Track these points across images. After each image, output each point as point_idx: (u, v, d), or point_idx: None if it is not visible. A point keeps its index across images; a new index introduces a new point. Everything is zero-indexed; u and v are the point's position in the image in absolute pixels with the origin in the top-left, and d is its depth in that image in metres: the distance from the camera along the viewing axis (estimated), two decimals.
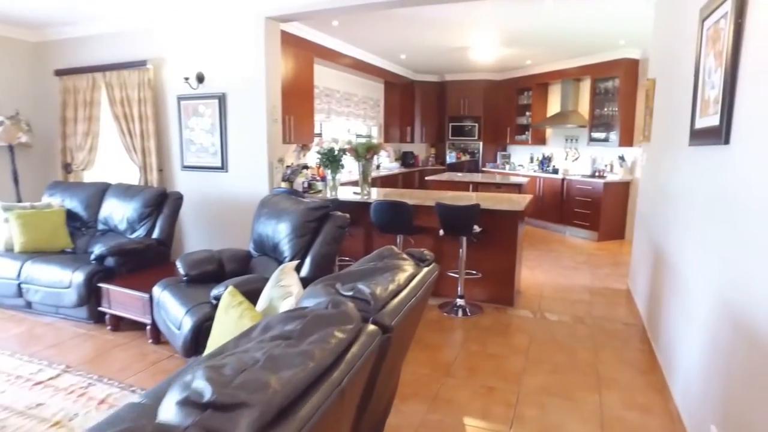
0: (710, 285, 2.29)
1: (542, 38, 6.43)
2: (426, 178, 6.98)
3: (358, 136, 8.05)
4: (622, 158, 7.31)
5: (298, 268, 2.90)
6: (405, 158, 9.86)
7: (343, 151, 4.84)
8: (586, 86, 8.03)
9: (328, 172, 4.95)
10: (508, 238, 4.44)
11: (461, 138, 9.91)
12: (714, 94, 2.28)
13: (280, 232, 3.35)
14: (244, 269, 3.50)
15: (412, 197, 4.65)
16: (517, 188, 6.53)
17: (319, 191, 5.30)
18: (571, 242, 7.33)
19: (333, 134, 7.46)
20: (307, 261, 3.21)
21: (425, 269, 2.02)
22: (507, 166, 9.50)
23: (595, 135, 7.60)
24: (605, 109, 7.48)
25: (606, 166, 7.68)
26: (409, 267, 1.93)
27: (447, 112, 9.88)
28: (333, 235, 3.29)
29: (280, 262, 3.27)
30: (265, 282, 2.43)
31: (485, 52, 7.25)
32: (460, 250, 4.24)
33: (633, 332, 3.93)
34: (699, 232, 2.59)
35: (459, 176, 7.47)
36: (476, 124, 9.75)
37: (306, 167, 5.80)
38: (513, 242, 4.44)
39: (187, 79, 4.94)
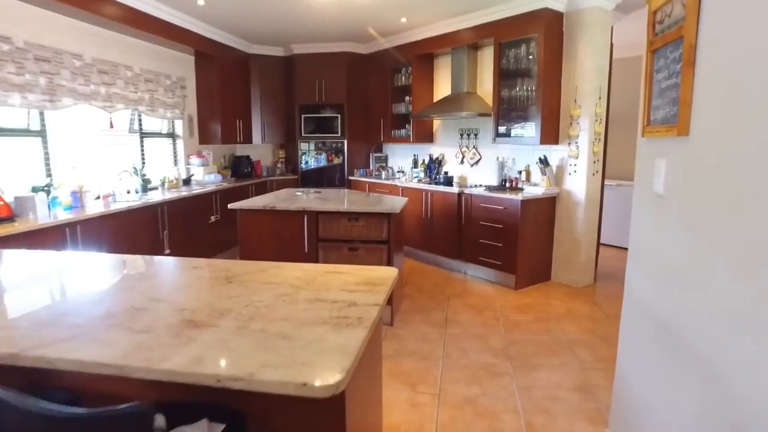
0: None
1: None
2: (229, 205, 4.02)
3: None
4: (543, 161, 4.84)
5: None
6: (237, 166, 6.77)
7: None
8: (487, 56, 5.50)
9: None
10: None
11: (319, 135, 7.02)
12: None
13: None
14: None
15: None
16: (385, 222, 3.75)
17: None
18: (476, 292, 4.73)
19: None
20: None
21: None
22: (383, 173, 6.78)
23: (504, 128, 5.09)
24: (518, 89, 4.99)
25: (520, 172, 5.20)
26: None
27: (297, 99, 6.95)
28: None
29: None
30: None
31: None
32: None
33: None
34: None
35: (281, 199, 4.56)
36: (338, 115, 6.92)
37: None
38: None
39: None
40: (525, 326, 3.88)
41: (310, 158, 7.12)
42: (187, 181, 5.73)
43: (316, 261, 3.88)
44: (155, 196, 4.66)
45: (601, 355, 3.38)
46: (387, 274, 1.87)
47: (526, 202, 4.61)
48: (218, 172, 6.30)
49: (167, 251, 4.55)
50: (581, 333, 3.75)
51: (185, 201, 4.89)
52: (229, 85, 6.32)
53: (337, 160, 7.08)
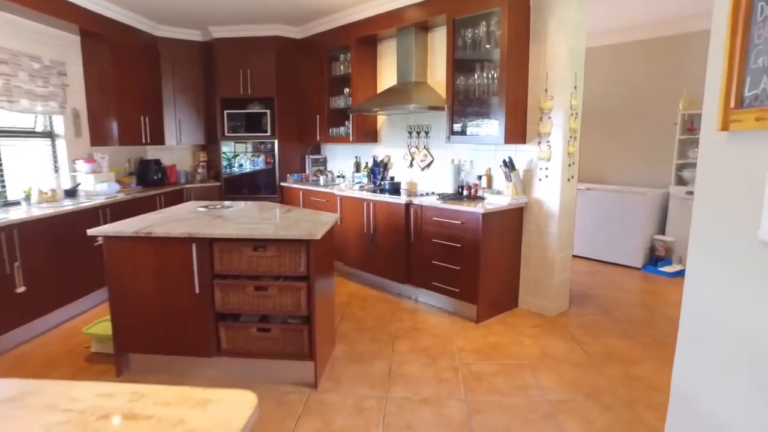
0: None
1: None
2: (88, 231, 2.92)
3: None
4: (508, 164, 3.97)
5: None
6: (145, 172, 5.61)
7: None
8: (440, 38, 4.59)
9: None
10: None
11: (245, 135, 5.95)
12: None
13: None
14: None
15: None
16: (303, 252, 2.74)
17: None
18: (429, 327, 3.81)
19: None
20: None
21: None
22: (322, 178, 5.77)
23: (460, 124, 4.18)
24: (476, 78, 4.09)
25: (480, 177, 4.31)
26: None
27: (219, 92, 5.86)
28: None
29: None
30: None
31: None
32: None
33: None
34: None
35: (172, 218, 3.50)
36: (267, 111, 5.88)
37: None
38: None
39: None
40: (491, 381, 2.97)
41: (235, 162, 6.03)
42: (71, 193, 4.56)
43: (212, 304, 2.85)
44: (13, 215, 3.50)
45: (596, 427, 2.50)
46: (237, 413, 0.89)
47: (488, 216, 3.71)
48: (118, 180, 5.14)
49: (21, 289, 3.41)
50: (564, 389, 2.87)
51: (55, 220, 3.74)
52: (128, 74, 5.17)
53: (266, 164, 6.02)
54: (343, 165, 6.02)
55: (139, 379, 2.99)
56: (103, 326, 3.21)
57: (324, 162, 6.27)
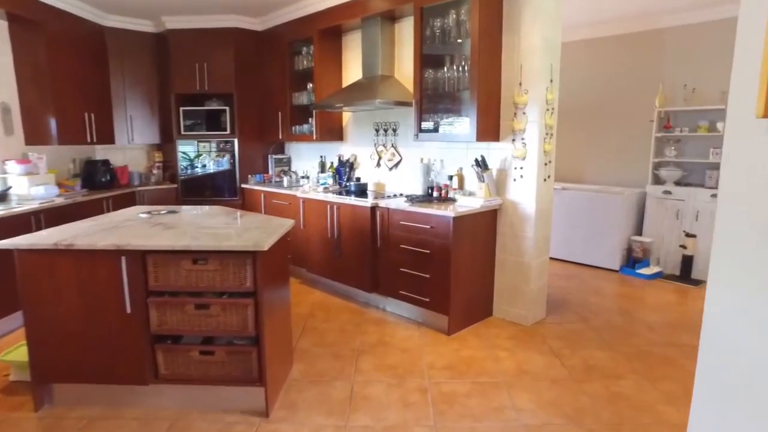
0: None
1: None
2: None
3: None
4: (481, 163, 3.69)
5: None
6: (92, 174, 5.17)
7: None
8: (407, 29, 4.30)
9: None
10: None
11: (203, 133, 5.56)
12: None
13: None
14: None
15: None
16: (248, 264, 2.40)
17: None
18: (397, 342, 3.51)
19: None
20: None
21: None
22: (285, 179, 5.42)
23: (430, 121, 3.90)
24: (446, 71, 3.81)
25: (451, 178, 4.03)
26: None
27: (174, 88, 5.45)
28: None
29: None
30: None
31: None
32: None
33: None
34: None
35: (105, 226, 3.12)
36: (226, 108, 5.50)
37: None
38: None
39: None
40: (464, 403, 2.69)
41: (193, 162, 5.64)
42: (1, 197, 4.11)
43: (147, 325, 2.49)
44: None
45: None
46: None
47: (459, 220, 3.43)
48: (59, 183, 4.69)
49: None
50: (543, 411, 2.61)
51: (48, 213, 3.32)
52: (69, 67, 4.73)
53: (226, 165, 5.64)
54: (308, 165, 5.68)
55: (64, 413, 2.61)
56: (24, 351, 2.81)
57: (288, 162, 5.92)
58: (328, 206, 4.29)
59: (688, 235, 4.95)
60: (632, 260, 5.29)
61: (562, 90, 3.94)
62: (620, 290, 4.70)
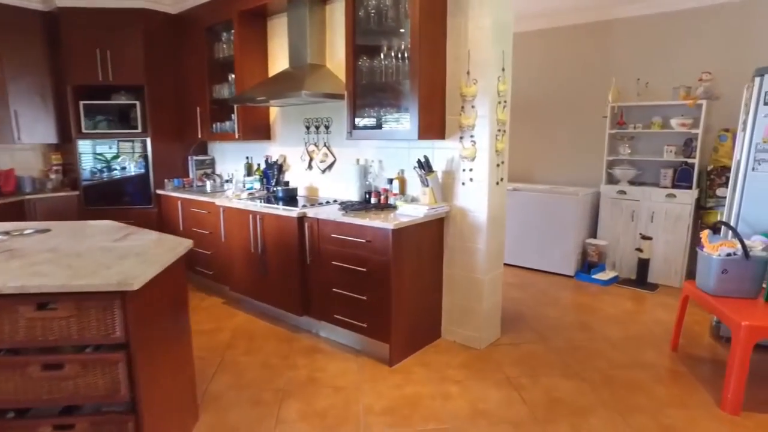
0: None
1: None
2: None
3: None
4: (424, 165, 3.19)
5: None
6: None
7: None
8: (340, 11, 3.74)
9: None
10: None
11: (108, 132, 4.79)
12: None
13: None
14: None
15: None
16: (116, 307, 1.79)
17: None
18: (329, 378, 2.97)
19: None
20: None
21: None
22: (209, 184, 4.75)
23: (365, 117, 3.36)
24: (383, 58, 3.28)
25: (391, 181, 3.51)
26: None
27: (71, 78, 4.66)
28: None
29: None
30: None
31: None
32: None
33: None
34: None
35: None
36: (136, 103, 4.76)
37: None
38: None
39: None
40: None
41: (97, 165, 4.86)
42: None
43: None
44: None
45: None
46: None
47: (400, 232, 2.92)
48: None
49: None
50: None
51: None
52: None
53: (139, 167, 4.90)
54: (234, 167, 5.02)
55: None
56: None
57: (211, 164, 5.24)
58: (250, 216, 3.68)
59: (643, 237, 4.66)
60: (587, 264, 4.96)
61: (512, 84, 3.52)
62: (578, 299, 4.34)
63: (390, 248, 2.88)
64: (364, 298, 3.08)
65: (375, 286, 3.01)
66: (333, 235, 3.18)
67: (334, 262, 3.21)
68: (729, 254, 2.84)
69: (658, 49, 4.86)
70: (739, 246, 2.81)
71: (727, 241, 2.89)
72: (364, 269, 3.03)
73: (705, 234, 3.02)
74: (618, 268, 4.98)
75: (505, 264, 5.37)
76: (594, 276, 4.84)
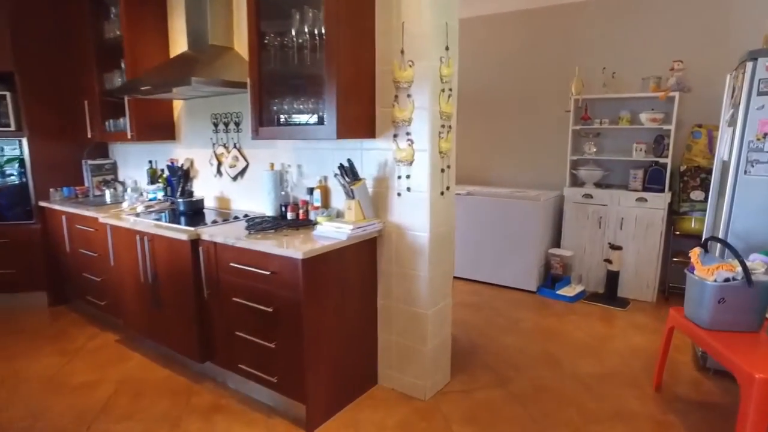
0: None
1: None
2: None
3: None
4: (347, 171, 2.49)
5: None
6: None
7: None
8: None
9: None
10: None
11: None
12: None
13: None
14: None
15: None
16: None
17: None
18: None
19: None
20: None
21: None
22: (109, 193, 3.93)
23: (276, 111, 2.64)
24: (294, 36, 2.56)
25: (312, 191, 2.80)
26: None
27: None
28: None
29: None
30: None
31: None
32: None
33: None
34: None
35: None
36: (6, 94, 3.89)
37: None
38: None
39: None
40: None
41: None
42: None
43: None
44: None
45: None
46: None
47: (313, 262, 2.22)
48: None
49: None
50: None
51: None
52: None
53: (12, 175, 4.03)
54: (139, 173, 4.21)
55: None
56: None
57: (113, 169, 4.40)
58: (137, 237, 2.91)
59: (612, 247, 4.12)
60: (551, 278, 4.39)
61: (461, 75, 2.87)
62: (541, 322, 3.75)
63: (300, 282, 2.18)
64: (272, 345, 2.37)
65: (284, 331, 2.30)
66: (232, 264, 2.45)
67: (235, 299, 2.49)
68: (727, 279, 2.27)
69: (625, 35, 4.33)
70: (739, 269, 2.24)
71: (724, 263, 2.32)
72: (270, 309, 2.32)
73: (695, 253, 2.45)
74: (585, 282, 4.43)
75: (458, 278, 4.75)
76: (558, 292, 4.27)
